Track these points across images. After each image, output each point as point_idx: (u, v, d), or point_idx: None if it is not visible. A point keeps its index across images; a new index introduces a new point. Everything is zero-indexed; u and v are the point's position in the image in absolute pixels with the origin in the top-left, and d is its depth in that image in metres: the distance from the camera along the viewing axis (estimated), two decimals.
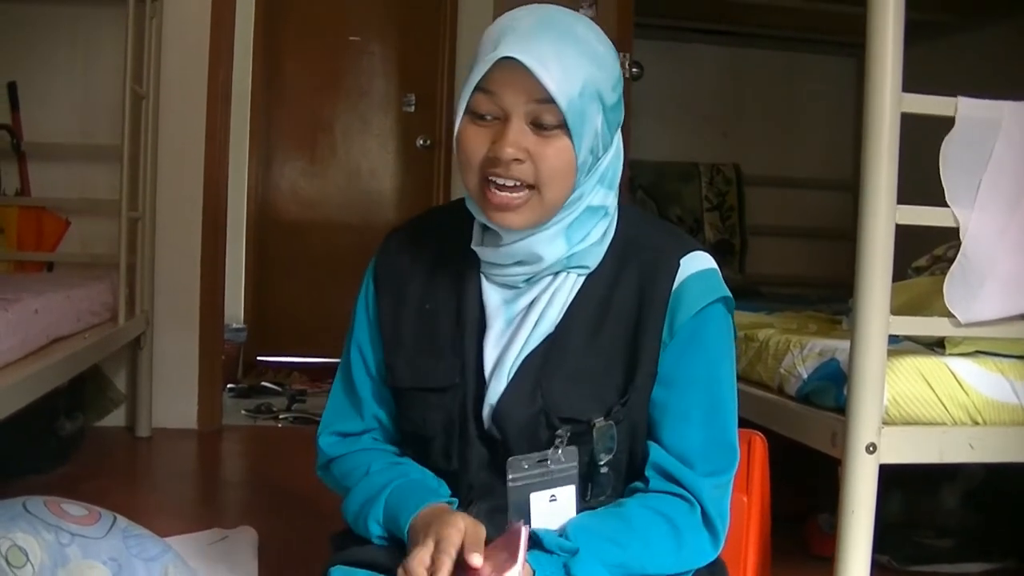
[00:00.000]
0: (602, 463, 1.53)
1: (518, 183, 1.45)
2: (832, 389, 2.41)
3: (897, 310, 2.15)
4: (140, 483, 3.90)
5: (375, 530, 1.56)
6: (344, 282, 6.12)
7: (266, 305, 6.18)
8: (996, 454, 2.32)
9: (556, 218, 1.51)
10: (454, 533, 1.39)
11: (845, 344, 2.24)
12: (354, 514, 1.61)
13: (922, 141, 2.18)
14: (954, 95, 2.17)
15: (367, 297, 1.72)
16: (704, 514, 1.53)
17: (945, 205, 2.17)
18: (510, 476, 1.50)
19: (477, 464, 1.57)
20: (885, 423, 2.16)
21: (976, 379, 2.32)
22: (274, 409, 5.12)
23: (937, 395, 2.28)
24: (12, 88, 4.44)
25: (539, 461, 1.50)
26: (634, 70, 3.19)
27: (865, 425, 2.11)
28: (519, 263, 1.54)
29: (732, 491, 1.61)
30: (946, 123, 2.16)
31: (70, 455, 3.94)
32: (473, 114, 1.47)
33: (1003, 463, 2.39)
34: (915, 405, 2.27)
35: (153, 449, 4.35)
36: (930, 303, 2.34)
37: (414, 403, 1.62)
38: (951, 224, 2.17)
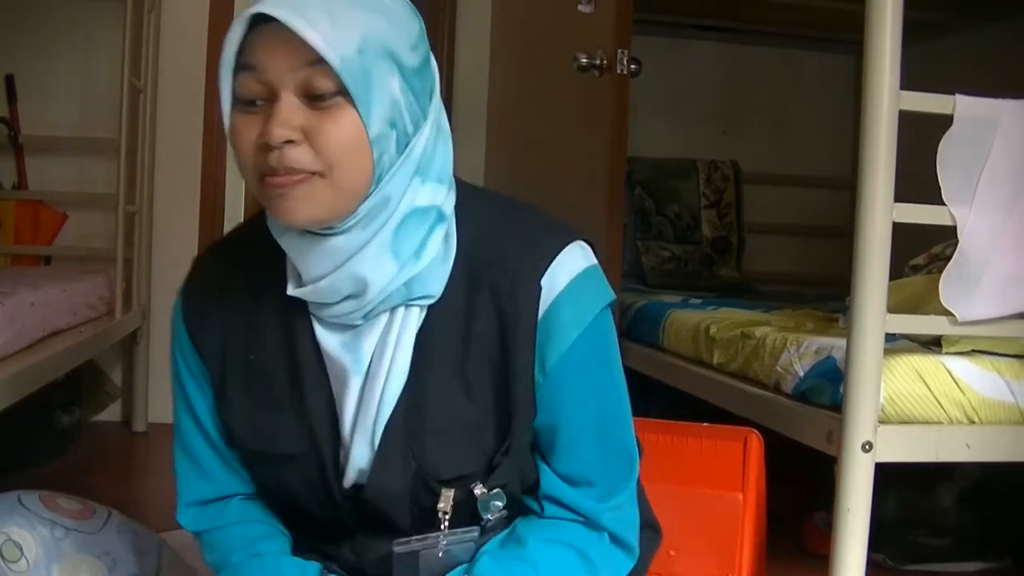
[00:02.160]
0: (494, 518, 1.39)
1: (296, 172, 1.19)
2: (828, 387, 2.40)
3: (894, 308, 2.15)
4: (136, 477, 3.90)
5: None
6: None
7: None
8: (992, 453, 2.32)
9: (371, 226, 1.24)
10: None
11: (842, 342, 2.24)
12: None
13: (920, 140, 2.17)
14: (952, 94, 2.17)
15: (182, 350, 1.47)
16: (611, 535, 1.40)
17: (943, 203, 2.17)
18: (397, 552, 1.36)
19: (353, 519, 1.42)
20: (881, 421, 2.16)
21: (973, 378, 2.32)
22: None
23: (933, 394, 2.28)
24: (10, 80, 4.43)
25: (427, 539, 1.36)
26: (633, 66, 3.18)
27: (861, 423, 2.11)
28: (348, 297, 1.28)
29: (725, 490, 1.59)
30: (944, 122, 2.16)
31: (66, 449, 3.94)
32: (240, 102, 1.22)
33: (999, 462, 2.39)
34: (911, 404, 2.26)
35: (149, 444, 4.35)
36: (927, 301, 2.34)
37: (264, 466, 1.44)
38: (948, 222, 2.17)
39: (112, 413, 4.55)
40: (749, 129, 5.37)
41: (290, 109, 1.17)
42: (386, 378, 1.31)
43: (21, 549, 1.89)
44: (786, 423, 2.55)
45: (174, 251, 4.50)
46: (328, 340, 1.33)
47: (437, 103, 1.31)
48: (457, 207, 1.35)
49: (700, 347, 3.24)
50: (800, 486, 3.07)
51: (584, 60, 3.25)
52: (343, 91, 1.17)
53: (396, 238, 1.25)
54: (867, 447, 2.11)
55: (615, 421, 1.41)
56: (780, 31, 5.28)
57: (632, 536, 1.43)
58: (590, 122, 3.41)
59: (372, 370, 1.32)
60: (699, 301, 3.88)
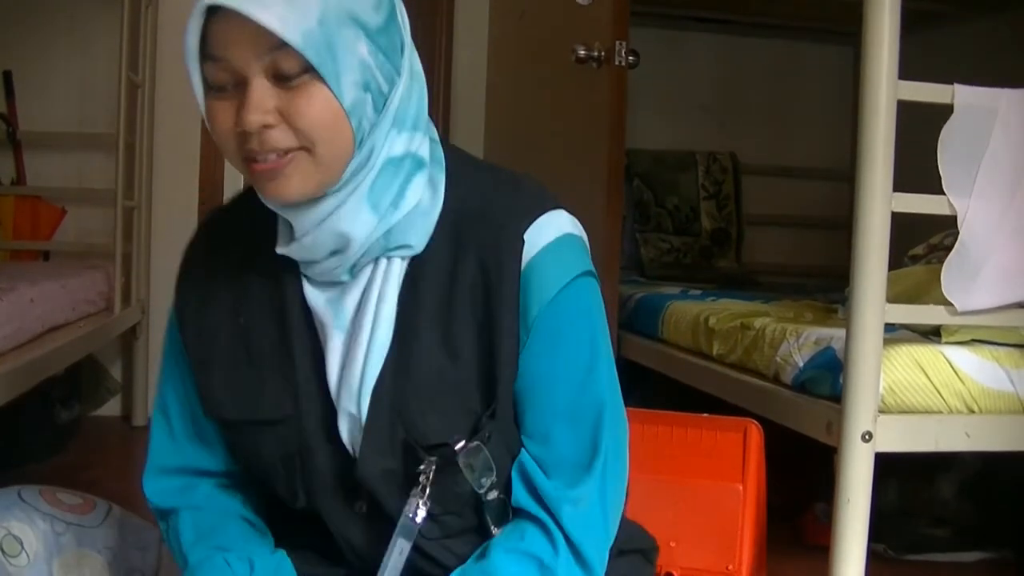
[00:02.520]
0: (485, 489, 1.31)
1: (278, 152, 1.18)
2: (828, 377, 2.40)
3: (893, 298, 2.15)
4: (136, 472, 3.86)
5: None
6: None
7: None
8: (992, 443, 2.32)
9: (349, 184, 1.23)
10: None
11: (841, 332, 2.24)
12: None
13: (920, 131, 2.17)
14: (951, 84, 2.17)
15: (172, 324, 1.47)
16: (572, 546, 1.30)
17: (942, 193, 2.16)
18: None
19: (329, 498, 1.36)
20: (881, 411, 2.16)
21: (972, 368, 2.32)
22: None
23: (933, 384, 2.28)
24: (7, 76, 4.44)
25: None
26: (631, 59, 3.17)
27: (861, 414, 2.11)
28: (333, 253, 1.27)
29: (725, 481, 1.57)
30: (944, 113, 2.16)
31: (66, 444, 3.94)
32: (212, 88, 1.21)
33: (999, 452, 2.39)
34: (911, 393, 2.26)
35: (149, 438, 4.34)
36: (926, 291, 2.34)
37: (241, 436, 1.40)
38: (947, 212, 2.16)
39: (112, 408, 4.55)
40: (748, 121, 5.37)
41: (261, 94, 1.16)
42: (370, 333, 1.29)
43: (21, 543, 1.89)
44: (786, 414, 2.55)
45: (173, 246, 4.42)
46: (315, 297, 1.32)
47: (409, 51, 1.29)
48: (449, 170, 1.33)
49: (699, 338, 3.24)
50: (800, 477, 3.07)
51: (582, 52, 3.24)
52: (310, 68, 1.15)
53: (373, 191, 1.24)
54: (867, 437, 2.11)
55: (589, 401, 1.33)
56: (779, 23, 5.28)
57: (593, 550, 1.32)
58: (588, 114, 3.40)
59: (356, 325, 1.30)
60: (698, 292, 3.88)
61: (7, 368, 2.65)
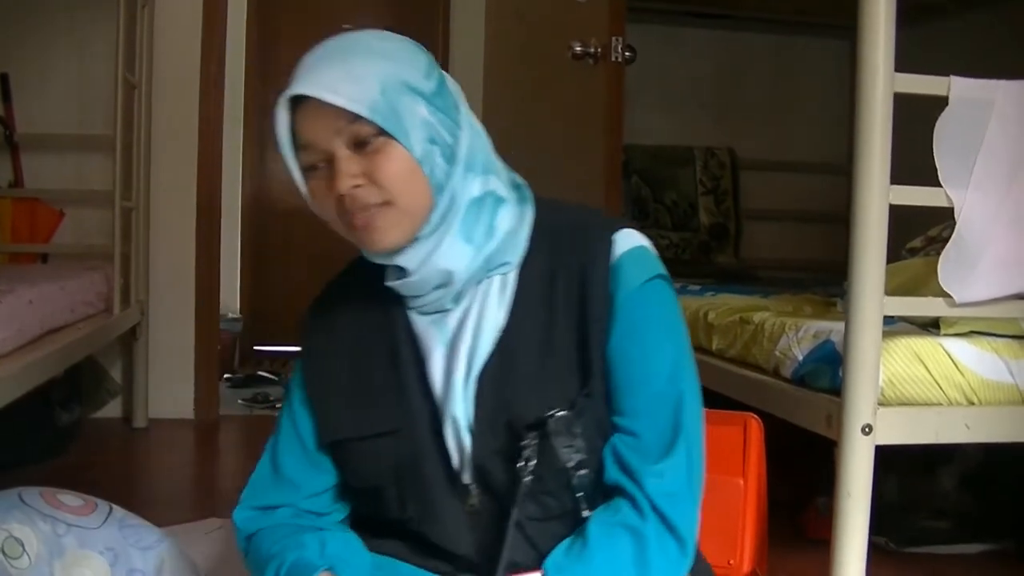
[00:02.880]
0: (572, 464, 1.44)
1: (370, 207, 1.41)
2: (827, 371, 2.40)
3: (892, 291, 2.15)
4: (137, 473, 3.90)
5: None
6: (339, 270, 6.15)
7: (262, 294, 6.18)
8: (992, 434, 2.33)
9: (445, 225, 1.44)
10: None
11: (840, 326, 2.24)
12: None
13: (917, 123, 2.17)
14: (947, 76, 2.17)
15: (300, 369, 1.65)
16: (662, 517, 1.43)
17: (939, 185, 2.17)
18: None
19: (439, 502, 1.51)
20: (880, 404, 2.16)
21: (971, 359, 2.32)
22: (271, 399, 5.11)
23: (932, 376, 2.28)
24: (4, 79, 4.44)
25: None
26: (627, 54, 3.17)
27: (860, 406, 2.11)
28: (438, 287, 1.48)
29: (725, 475, 1.60)
30: (940, 105, 2.16)
31: (66, 446, 3.95)
32: (307, 169, 1.44)
33: (999, 443, 2.39)
34: (910, 386, 2.27)
35: (150, 439, 4.35)
36: (925, 284, 2.34)
37: (357, 454, 1.56)
38: (944, 204, 2.17)
39: (112, 410, 4.56)
40: (745, 116, 5.37)
41: (347, 162, 1.38)
42: (473, 338, 1.48)
43: (23, 545, 1.89)
44: (785, 407, 2.55)
45: (172, 246, 4.52)
46: (419, 321, 1.52)
47: (465, 110, 1.49)
48: (537, 201, 1.56)
49: (699, 333, 3.24)
50: (801, 471, 3.07)
51: (579, 48, 3.24)
52: (382, 131, 1.37)
53: (463, 227, 1.45)
54: (867, 430, 2.11)
55: (674, 385, 1.48)
56: (775, 17, 5.28)
57: (681, 519, 1.44)
58: (586, 110, 3.40)
59: (457, 336, 1.48)
60: (697, 287, 3.87)
61: (7, 370, 2.65)
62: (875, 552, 2.29)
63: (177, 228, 4.54)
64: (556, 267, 1.49)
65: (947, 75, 2.17)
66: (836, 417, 2.16)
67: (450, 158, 1.44)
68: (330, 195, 1.41)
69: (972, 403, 2.30)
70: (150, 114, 4.38)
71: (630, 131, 3.99)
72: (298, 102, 1.39)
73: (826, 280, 4.05)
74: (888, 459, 2.25)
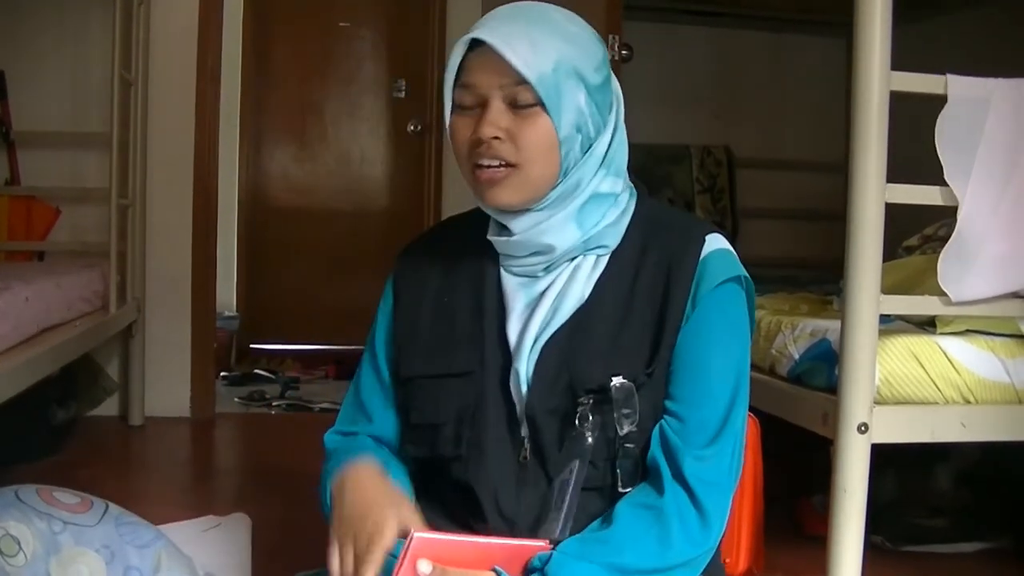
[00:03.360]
0: (626, 432, 1.49)
1: (501, 163, 1.49)
2: (824, 369, 2.41)
3: (888, 289, 2.16)
4: (133, 471, 3.90)
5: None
6: (336, 268, 6.17)
7: (259, 292, 6.17)
8: (988, 433, 2.33)
9: (561, 204, 1.53)
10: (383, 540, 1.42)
11: (836, 324, 2.24)
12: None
13: (914, 122, 2.18)
14: (944, 74, 2.17)
15: (386, 303, 1.73)
16: (691, 494, 1.48)
17: (935, 184, 2.17)
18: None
19: (492, 448, 1.56)
20: (877, 403, 2.17)
21: (967, 358, 2.32)
22: (267, 396, 5.12)
23: (929, 374, 2.28)
24: (1, 76, 4.43)
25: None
26: (624, 52, 3.18)
27: (857, 405, 2.11)
28: (535, 253, 1.57)
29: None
30: (938, 104, 2.16)
31: (63, 444, 3.94)
32: (458, 107, 1.52)
33: (995, 442, 2.39)
34: (907, 384, 2.27)
35: (146, 437, 4.35)
36: (921, 282, 2.34)
37: (426, 392, 1.62)
38: (940, 202, 2.17)
39: (109, 407, 4.55)
40: (742, 113, 5.37)
41: (498, 113, 1.48)
42: (553, 307, 1.56)
43: (19, 543, 1.89)
44: (782, 406, 2.55)
45: (168, 244, 4.51)
46: (509, 280, 1.60)
47: (617, 111, 1.60)
48: (639, 196, 1.65)
49: None
50: (797, 468, 3.07)
51: None
52: (540, 102, 1.46)
53: (581, 213, 1.54)
54: (863, 428, 2.11)
55: (731, 381, 1.56)
56: (771, 15, 5.28)
57: (711, 502, 1.49)
58: None
59: (541, 301, 1.56)
60: None
61: (3, 368, 2.65)
62: (871, 550, 2.29)
63: (173, 225, 4.53)
64: (646, 255, 1.57)
65: (942, 72, 2.17)
66: (832, 415, 2.16)
67: (586, 150, 1.53)
68: (469, 136, 1.50)
69: (968, 402, 2.31)
70: (146, 112, 4.38)
71: (626, 128, 3.98)
72: (475, 45, 1.48)
73: (822, 278, 4.05)
74: (884, 457, 2.26)
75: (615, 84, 1.59)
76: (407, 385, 1.66)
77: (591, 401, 1.49)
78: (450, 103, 1.54)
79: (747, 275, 1.62)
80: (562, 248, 1.55)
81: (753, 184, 5.27)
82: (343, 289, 6.08)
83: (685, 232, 1.60)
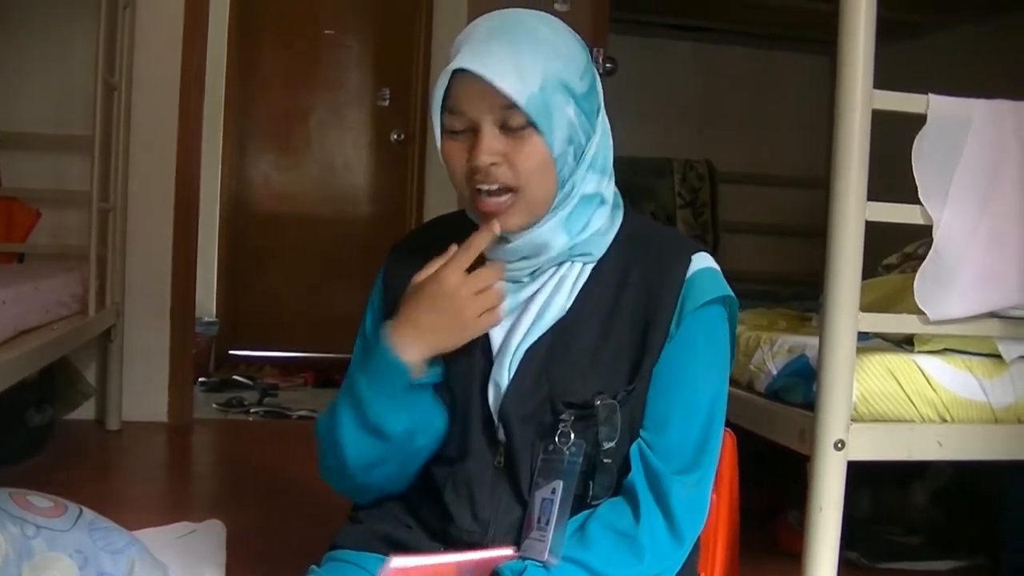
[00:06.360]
0: (606, 448, 1.50)
1: (500, 187, 1.49)
2: (801, 386, 2.41)
3: (867, 307, 2.16)
4: (109, 476, 3.89)
5: (344, 415, 1.58)
6: (317, 276, 6.16)
7: (238, 299, 6.16)
8: (964, 451, 2.33)
9: (554, 211, 1.54)
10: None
11: (815, 341, 2.25)
12: (326, 424, 1.63)
13: (895, 141, 2.19)
14: (926, 94, 2.18)
15: (375, 299, 1.74)
16: (669, 517, 1.50)
17: (916, 203, 2.17)
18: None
19: (473, 450, 1.58)
20: (853, 420, 2.17)
21: (945, 376, 2.33)
22: (245, 403, 5.11)
23: (906, 392, 2.29)
24: None
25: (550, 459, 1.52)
26: (608, 65, 3.19)
27: (833, 422, 2.12)
28: (524, 258, 1.57)
29: None
30: (919, 123, 2.17)
31: (39, 447, 3.92)
32: (448, 132, 1.52)
33: (971, 460, 2.40)
34: (884, 402, 2.27)
35: (123, 442, 4.34)
36: (900, 300, 2.35)
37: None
38: (920, 221, 2.18)
39: (86, 411, 4.53)
40: (724, 128, 5.39)
41: (491, 139, 1.48)
42: (537, 315, 1.56)
43: None
44: (759, 422, 2.56)
45: (148, 249, 4.50)
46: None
47: (602, 112, 1.60)
48: (624, 208, 1.66)
49: None
50: (773, 485, 3.08)
51: None
52: (531, 123, 1.46)
53: (569, 219, 1.55)
54: (839, 445, 2.11)
55: (709, 402, 1.57)
56: (756, 31, 5.30)
57: (692, 529, 1.53)
58: None
59: (527, 308, 1.57)
60: None
61: None
62: (846, 567, 2.30)
63: (154, 230, 4.52)
64: (630, 269, 1.58)
65: (924, 92, 2.18)
66: (809, 432, 2.16)
67: (579, 157, 1.54)
68: (464, 161, 1.50)
69: (945, 420, 2.31)
70: (129, 116, 4.36)
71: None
72: (461, 71, 1.47)
73: (803, 294, 4.07)
74: (860, 474, 2.26)
75: (598, 83, 1.60)
76: None
77: (572, 418, 1.51)
78: (439, 128, 1.53)
79: (733, 295, 1.62)
80: (550, 253, 1.56)
81: (735, 199, 5.29)
82: (323, 297, 6.08)
83: (672, 249, 1.61)
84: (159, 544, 2.57)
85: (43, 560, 1.93)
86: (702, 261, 1.60)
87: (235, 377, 5.63)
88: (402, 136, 6.10)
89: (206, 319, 5.76)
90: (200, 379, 5.41)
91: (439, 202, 5.79)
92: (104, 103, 3.95)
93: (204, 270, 5.36)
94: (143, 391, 4.54)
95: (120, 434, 4.40)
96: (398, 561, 1.42)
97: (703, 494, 1.56)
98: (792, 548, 2.57)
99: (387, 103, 6.14)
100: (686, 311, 1.54)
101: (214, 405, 5.08)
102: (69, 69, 4.43)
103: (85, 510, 2.10)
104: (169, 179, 4.54)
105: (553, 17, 1.56)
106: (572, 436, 1.50)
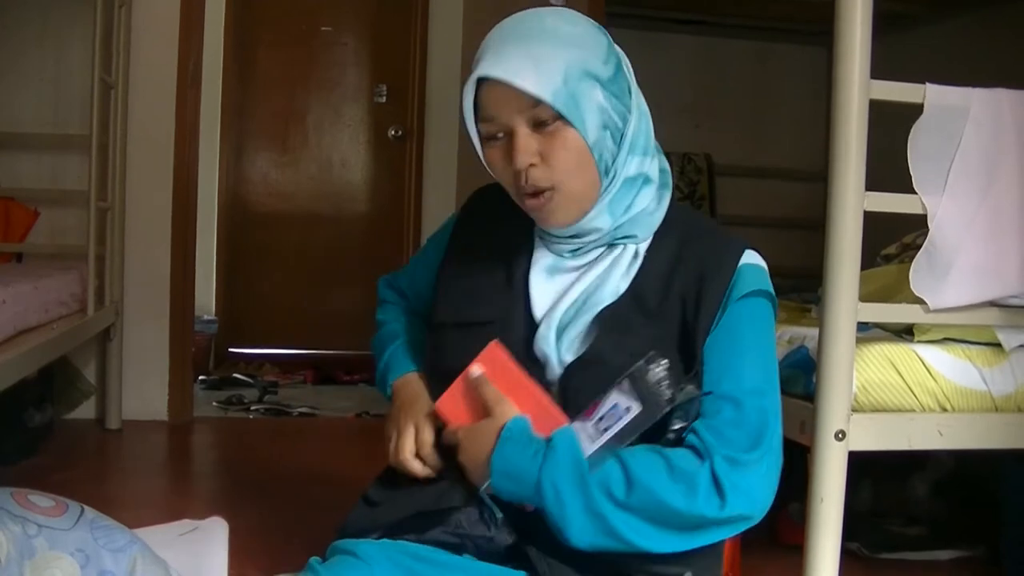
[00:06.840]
0: (675, 428, 1.53)
1: (540, 189, 1.55)
2: (801, 377, 2.41)
3: (866, 297, 2.16)
4: (110, 475, 3.88)
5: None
6: (315, 273, 6.16)
7: (237, 296, 6.15)
8: (964, 441, 2.33)
9: (600, 198, 1.59)
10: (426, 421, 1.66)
11: (814, 332, 2.25)
12: (378, 356, 1.88)
13: (893, 131, 2.18)
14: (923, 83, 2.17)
15: (444, 233, 1.86)
16: (715, 478, 1.50)
17: (915, 192, 2.17)
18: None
19: None
20: (854, 410, 2.17)
21: (945, 366, 2.33)
22: (245, 401, 5.11)
23: (906, 382, 2.29)
24: None
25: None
26: None
27: (834, 412, 2.11)
28: (572, 236, 1.63)
29: None
30: (917, 113, 2.17)
31: (39, 447, 3.92)
32: (486, 139, 1.58)
33: (971, 450, 2.40)
34: (884, 392, 2.27)
35: (123, 441, 4.33)
36: (899, 290, 2.35)
37: (452, 339, 1.70)
38: (919, 211, 2.17)
39: (86, 411, 4.53)
40: (723, 122, 5.39)
41: (526, 139, 1.53)
42: (585, 291, 1.61)
43: None
44: None
45: (147, 247, 4.49)
46: (543, 253, 1.69)
47: (635, 93, 1.64)
48: (674, 195, 1.70)
49: None
50: None
51: None
52: (560, 116, 1.51)
53: (612, 202, 1.60)
54: (840, 436, 2.11)
55: (757, 387, 1.58)
56: (753, 24, 5.29)
57: (737, 498, 1.52)
58: None
59: (572, 286, 1.63)
60: None
61: None
62: (847, 558, 2.29)
63: (152, 229, 4.52)
64: (684, 256, 1.63)
65: (921, 82, 2.18)
66: (809, 423, 2.16)
67: (619, 141, 1.58)
68: (507, 165, 1.56)
69: (945, 410, 2.31)
70: (126, 115, 4.36)
71: None
72: (484, 79, 1.52)
73: (801, 286, 4.06)
74: (861, 465, 2.26)
75: (626, 64, 1.65)
76: (436, 331, 1.75)
77: (653, 354, 1.51)
78: (477, 137, 1.59)
79: (774, 295, 1.67)
80: (594, 235, 1.62)
81: (733, 192, 5.29)
82: (322, 294, 6.07)
83: (724, 242, 1.65)
84: (161, 542, 2.56)
85: (44, 559, 1.93)
86: (752, 257, 1.65)
87: (235, 375, 5.63)
88: (400, 132, 6.09)
89: (205, 317, 5.76)
90: (200, 377, 5.41)
91: (437, 197, 5.80)
92: (101, 102, 3.94)
93: (203, 268, 5.35)
94: (143, 390, 4.54)
95: (120, 433, 4.40)
96: (498, 347, 1.58)
97: (753, 475, 1.55)
98: (793, 540, 2.57)
99: (384, 99, 6.13)
100: (733, 297, 1.59)
101: (214, 403, 5.08)
102: (66, 68, 4.43)
103: (86, 509, 2.09)
104: (167, 177, 4.53)
105: (568, 9, 1.61)
106: (666, 362, 1.50)
